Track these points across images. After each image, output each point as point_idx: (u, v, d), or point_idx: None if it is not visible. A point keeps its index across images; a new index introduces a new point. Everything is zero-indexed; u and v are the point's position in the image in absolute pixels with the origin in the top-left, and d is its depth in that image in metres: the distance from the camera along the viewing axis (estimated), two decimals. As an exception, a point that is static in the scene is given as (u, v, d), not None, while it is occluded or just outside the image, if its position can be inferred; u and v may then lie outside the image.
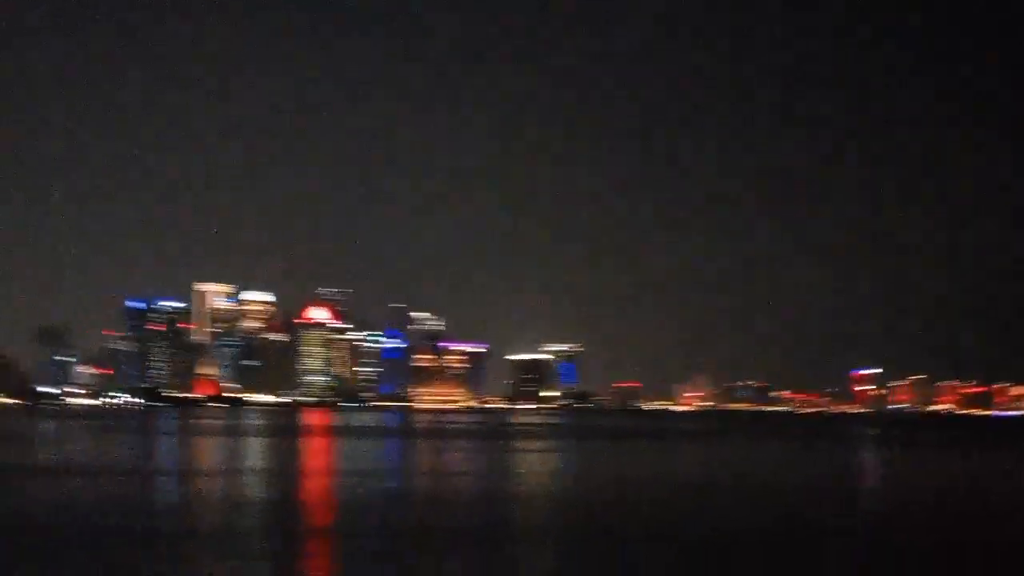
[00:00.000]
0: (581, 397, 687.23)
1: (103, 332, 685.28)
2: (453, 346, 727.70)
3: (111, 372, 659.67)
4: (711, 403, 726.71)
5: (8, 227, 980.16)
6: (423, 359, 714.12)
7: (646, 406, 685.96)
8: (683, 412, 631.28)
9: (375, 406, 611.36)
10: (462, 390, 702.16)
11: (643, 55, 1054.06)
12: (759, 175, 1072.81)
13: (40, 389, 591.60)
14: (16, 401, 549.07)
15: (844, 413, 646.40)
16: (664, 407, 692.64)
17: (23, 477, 73.96)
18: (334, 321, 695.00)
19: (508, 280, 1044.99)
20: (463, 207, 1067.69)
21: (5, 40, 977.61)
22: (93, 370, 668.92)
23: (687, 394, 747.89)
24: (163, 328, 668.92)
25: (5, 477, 73.63)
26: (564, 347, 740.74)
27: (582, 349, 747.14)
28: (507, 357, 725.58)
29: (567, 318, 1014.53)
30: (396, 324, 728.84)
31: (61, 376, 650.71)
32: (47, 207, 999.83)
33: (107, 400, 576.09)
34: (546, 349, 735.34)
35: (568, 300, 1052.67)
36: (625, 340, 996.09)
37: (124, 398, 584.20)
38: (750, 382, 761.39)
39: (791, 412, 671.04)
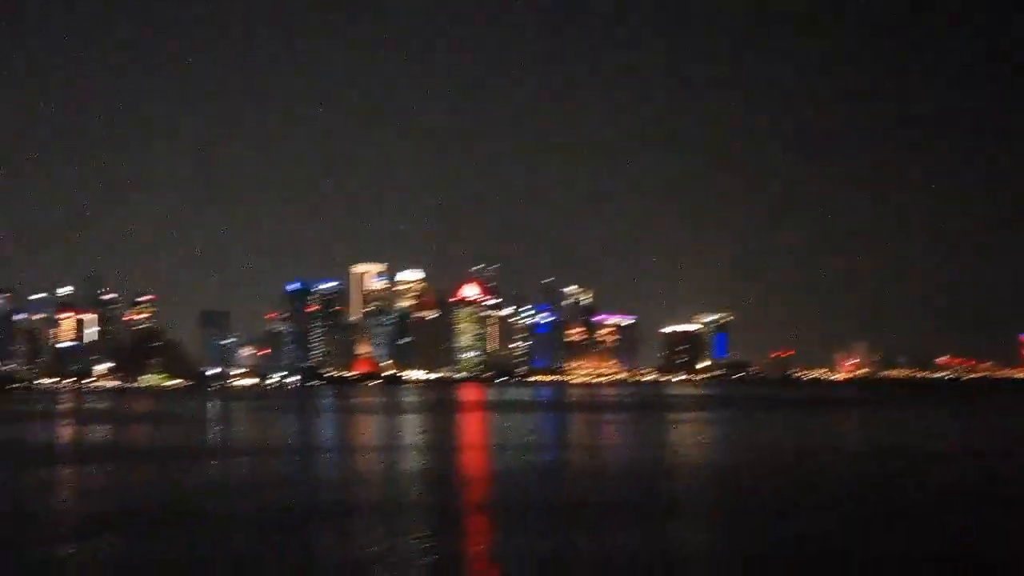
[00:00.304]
0: (735, 367, 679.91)
1: (264, 316, 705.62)
2: (604, 319, 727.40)
3: (271, 353, 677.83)
4: (869, 371, 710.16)
5: (173, 219, 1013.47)
6: (574, 333, 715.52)
7: (802, 375, 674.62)
8: (840, 380, 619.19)
9: (528, 380, 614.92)
10: (614, 363, 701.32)
11: (811, 21, 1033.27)
12: (912, 135, 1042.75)
13: (206, 371, 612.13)
14: (185, 383, 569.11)
15: (1010, 378, 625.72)
16: (821, 376, 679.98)
17: (196, 457, 76.85)
18: (486, 297, 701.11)
19: (658, 252, 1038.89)
20: (610, 180, 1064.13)
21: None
22: (255, 352, 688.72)
23: (845, 362, 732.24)
24: (320, 309, 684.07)
25: (179, 458, 76.64)
26: (716, 317, 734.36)
27: (733, 319, 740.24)
28: (660, 330, 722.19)
29: (719, 288, 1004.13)
30: (547, 299, 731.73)
31: (225, 358, 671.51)
32: (209, 198, 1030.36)
33: (269, 380, 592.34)
34: (698, 320, 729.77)
35: (719, 270, 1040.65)
36: (779, 309, 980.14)
37: (284, 378, 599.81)
38: (910, 349, 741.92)
39: (954, 378, 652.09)
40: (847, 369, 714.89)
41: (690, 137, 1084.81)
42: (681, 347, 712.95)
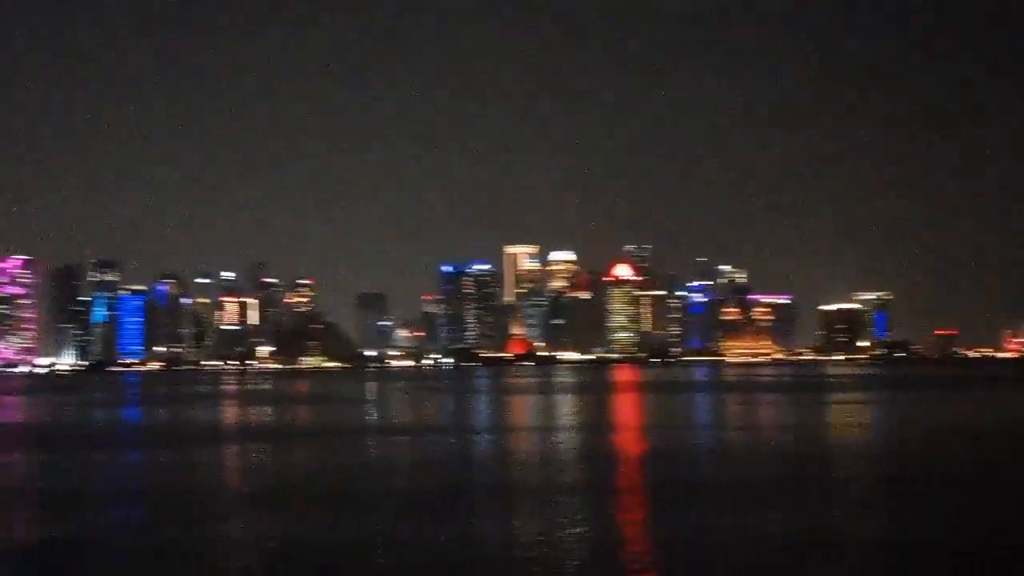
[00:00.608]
0: (896, 347, 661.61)
1: (419, 297, 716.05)
2: (759, 298, 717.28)
3: (427, 334, 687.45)
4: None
5: (329, 204, 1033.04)
6: (729, 312, 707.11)
7: (966, 354, 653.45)
8: (1007, 359, 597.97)
9: (682, 361, 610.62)
10: (770, 343, 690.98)
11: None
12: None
13: (364, 353, 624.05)
14: (343, 364, 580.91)
15: None
16: (986, 355, 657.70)
17: (354, 437, 78.27)
18: (638, 277, 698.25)
19: (812, 229, 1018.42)
20: (762, 157, 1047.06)
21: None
22: (411, 333, 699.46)
23: (1011, 340, 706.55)
24: (474, 291, 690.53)
25: (338, 438, 78.16)
26: (876, 295, 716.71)
27: (894, 298, 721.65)
28: (819, 307, 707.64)
29: (878, 266, 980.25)
30: (701, 278, 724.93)
31: (382, 340, 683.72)
32: (363, 182, 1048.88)
33: (425, 361, 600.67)
34: (857, 298, 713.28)
35: (879, 248, 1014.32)
36: (942, 287, 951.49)
37: (440, 359, 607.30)
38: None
39: None
40: (1013, 348, 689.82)
41: (845, 114, 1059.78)
42: (840, 326, 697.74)
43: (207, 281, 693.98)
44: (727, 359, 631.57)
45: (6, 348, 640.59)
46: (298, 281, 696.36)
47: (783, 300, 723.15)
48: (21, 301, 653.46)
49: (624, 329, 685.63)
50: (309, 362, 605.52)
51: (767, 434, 77.01)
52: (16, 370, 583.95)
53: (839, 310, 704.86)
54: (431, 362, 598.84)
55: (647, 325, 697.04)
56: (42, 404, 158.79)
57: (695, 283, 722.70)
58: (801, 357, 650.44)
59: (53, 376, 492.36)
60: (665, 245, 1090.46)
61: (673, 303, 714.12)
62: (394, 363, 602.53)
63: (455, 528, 35.55)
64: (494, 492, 44.81)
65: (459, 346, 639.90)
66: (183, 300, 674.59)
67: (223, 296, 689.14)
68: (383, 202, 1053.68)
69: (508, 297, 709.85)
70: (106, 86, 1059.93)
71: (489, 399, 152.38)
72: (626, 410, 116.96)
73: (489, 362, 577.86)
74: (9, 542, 34.56)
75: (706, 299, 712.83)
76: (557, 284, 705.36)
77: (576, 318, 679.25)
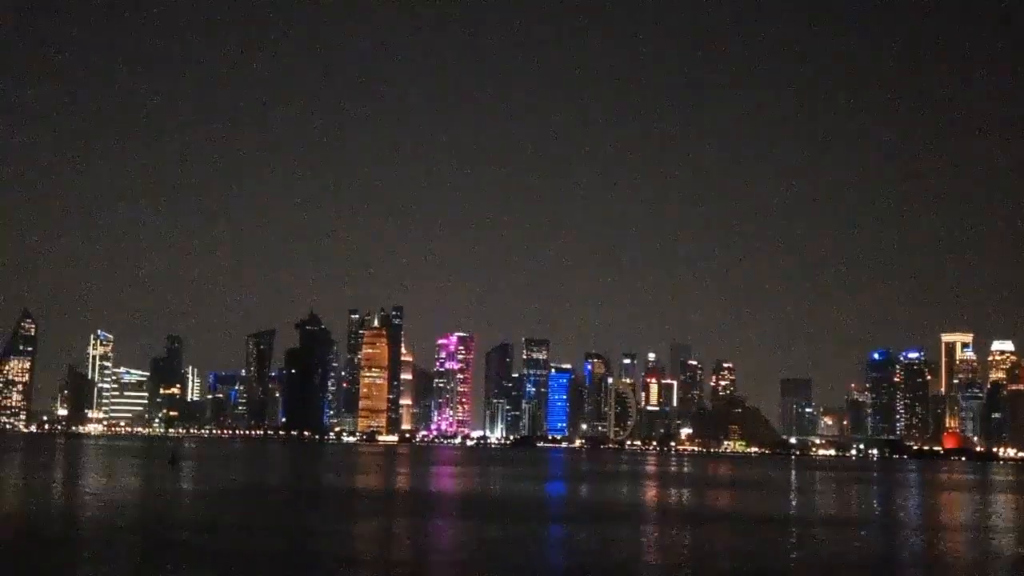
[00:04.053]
0: None
1: (845, 384, 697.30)
2: None
3: (852, 423, 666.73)
4: None
5: (748, 290, 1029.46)
6: None
7: None
8: None
9: None
10: None
11: None
12: None
13: (787, 439, 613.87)
14: (765, 451, 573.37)
15: None
16: None
17: (777, 524, 77.14)
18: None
19: None
20: None
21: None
22: (835, 421, 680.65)
23: None
24: (905, 380, 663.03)
25: (760, 524, 77.34)
26: None
27: None
28: None
29: None
30: None
31: (805, 426, 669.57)
32: (785, 267, 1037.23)
33: (850, 451, 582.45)
34: None
35: None
36: None
37: (866, 449, 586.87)
38: None
39: None
40: None
41: None
42: None
43: (631, 362, 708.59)
44: None
45: (443, 420, 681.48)
46: (721, 364, 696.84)
47: None
48: (459, 376, 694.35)
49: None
50: (730, 446, 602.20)
51: None
52: (451, 441, 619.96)
53: None
54: (856, 452, 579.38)
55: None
56: (475, 475, 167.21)
57: None
58: None
59: (483, 448, 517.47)
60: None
61: None
62: (818, 451, 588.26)
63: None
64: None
65: (886, 437, 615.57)
66: (607, 379, 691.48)
67: (646, 376, 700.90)
68: (810, 288, 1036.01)
69: (941, 387, 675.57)
70: (508, 161, 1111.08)
71: (919, 493, 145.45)
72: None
73: (919, 455, 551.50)
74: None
75: None
76: (996, 375, 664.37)
77: (1017, 412, 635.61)
